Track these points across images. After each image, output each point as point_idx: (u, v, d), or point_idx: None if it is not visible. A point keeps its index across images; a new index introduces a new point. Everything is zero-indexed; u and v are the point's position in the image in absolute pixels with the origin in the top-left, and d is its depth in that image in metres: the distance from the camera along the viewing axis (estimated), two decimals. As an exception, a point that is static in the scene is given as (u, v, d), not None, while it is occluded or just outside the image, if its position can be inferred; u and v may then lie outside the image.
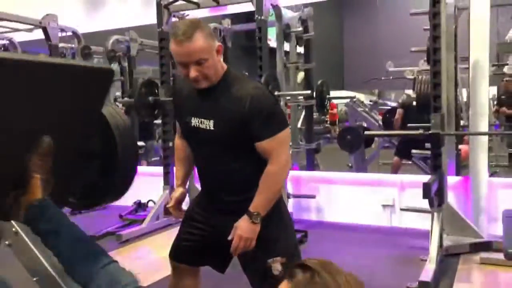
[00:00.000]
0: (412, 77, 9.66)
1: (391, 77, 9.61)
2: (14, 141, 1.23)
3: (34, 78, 1.15)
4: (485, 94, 3.83)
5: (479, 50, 3.77)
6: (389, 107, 8.33)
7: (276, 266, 1.78)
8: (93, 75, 1.34)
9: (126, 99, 5.28)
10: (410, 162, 6.44)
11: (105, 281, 1.10)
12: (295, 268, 0.90)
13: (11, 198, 1.28)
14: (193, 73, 1.67)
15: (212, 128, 1.75)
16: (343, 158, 6.77)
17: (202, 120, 1.77)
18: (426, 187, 2.94)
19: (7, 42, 5.83)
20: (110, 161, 1.46)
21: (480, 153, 3.86)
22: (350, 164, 6.73)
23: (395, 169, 6.40)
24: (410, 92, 11.47)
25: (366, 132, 4.22)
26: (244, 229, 1.73)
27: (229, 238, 1.76)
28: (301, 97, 4.60)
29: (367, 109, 6.90)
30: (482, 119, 3.80)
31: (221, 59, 1.78)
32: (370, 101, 10.03)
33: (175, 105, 1.96)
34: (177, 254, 1.95)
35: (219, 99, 1.74)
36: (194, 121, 1.80)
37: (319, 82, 4.81)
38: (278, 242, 1.81)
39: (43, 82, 1.17)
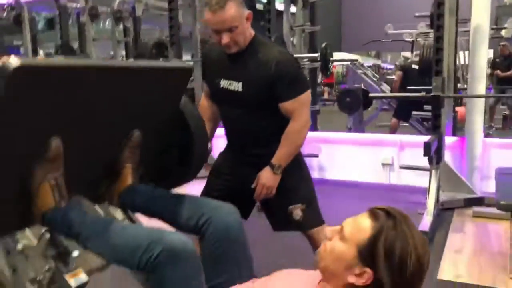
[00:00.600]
0: (411, 39, 9.79)
1: (390, 40, 9.73)
2: (108, 136, 1.44)
3: (123, 81, 1.34)
4: (484, 58, 3.98)
5: (480, 15, 3.90)
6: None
7: (297, 211, 2.00)
8: (174, 73, 1.54)
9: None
10: (406, 124, 6.67)
11: (214, 212, 1.36)
12: (379, 211, 1.03)
13: (105, 185, 1.50)
14: (225, 39, 1.83)
15: (240, 90, 1.92)
16: (340, 120, 6.97)
17: (231, 82, 1.94)
18: (427, 146, 3.16)
19: (13, 2, 5.85)
20: (187, 150, 1.64)
21: (476, 115, 4.06)
22: (349, 126, 6.95)
23: (393, 130, 6.62)
24: (407, 54, 11.61)
25: (371, 95, 4.39)
26: (266, 178, 1.93)
27: (253, 186, 1.97)
28: (306, 60, 4.73)
29: (367, 72, 7.02)
30: (480, 82, 3.96)
31: (250, 26, 1.93)
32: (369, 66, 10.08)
33: (205, 68, 2.12)
34: None
35: (247, 62, 1.91)
36: (223, 83, 1.97)
37: (323, 45, 4.93)
38: (299, 191, 2.02)
39: (131, 83, 1.38)
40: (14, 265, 1.36)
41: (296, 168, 2.04)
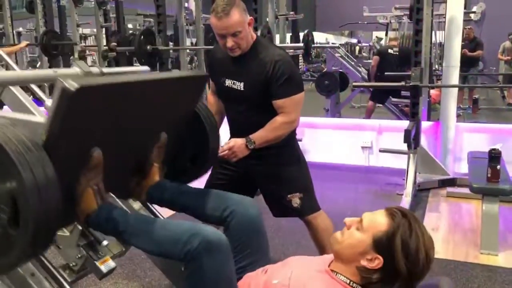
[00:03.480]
0: (385, 21, 10.06)
1: (366, 22, 9.97)
2: (139, 139, 1.60)
3: (150, 92, 1.50)
4: (458, 48, 4.23)
5: (455, 8, 4.14)
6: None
7: (295, 200, 2.21)
8: (192, 81, 1.71)
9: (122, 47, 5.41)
10: (379, 105, 6.93)
11: (238, 204, 1.55)
12: (396, 210, 1.23)
13: (134, 182, 1.66)
14: (229, 43, 2.00)
15: (242, 89, 2.10)
16: (315, 100, 7.16)
17: (234, 81, 2.12)
18: (407, 133, 3.41)
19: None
20: (201, 149, 1.80)
21: (450, 101, 4.33)
22: (326, 108, 7.19)
23: (369, 113, 6.90)
24: (380, 34, 11.85)
25: (354, 83, 4.60)
26: (238, 147, 2.07)
27: (220, 150, 2.04)
28: (291, 50, 4.88)
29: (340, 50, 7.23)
30: (454, 70, 4.23)
31: (251, 30, 2.10)
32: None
33: (211, 67, 2.28)
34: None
35: (249, 64, 2.08)
36: (228, 82, 2.14)
37: (305, 31, 5.10)
38: (297, 181, 2.23)
39: (159, 92, 1.54)
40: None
41: (295, 161, 2.24)
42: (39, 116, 1.62)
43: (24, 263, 1.36)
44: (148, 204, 1.78)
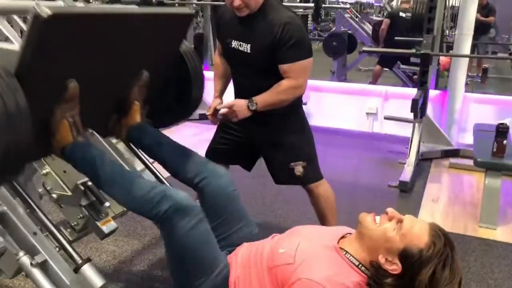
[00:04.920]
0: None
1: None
2: (119, 75, 1.55)
3: (131, 27, 1.44)
4: (473, 15, 4.09)
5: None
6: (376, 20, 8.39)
7: (298, 168, 2.19)
8: (176, 19, 1.63)
9: None
10: (386, 70, 6.81)
11: (210, 173, 1.52)
12: (440, 233, 1.19)
13: (114, 120, 1.62)
14: (236, 1, 1.92)
15: (249, 51, 2.03)
16: (322, 64, 7.03)
17: (241, 43, 2.05)
18: (414, 102, 3.35)
19: None
20: (185, 90, 1.77)
21: (460, 70, 4.24)
22: (333, 70, 7.07)
23: (376, 77, 6.79)
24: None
25: (364, 49, 4.48)
26: (238, 107, 2.02)
27: (220, 107, 2.06)
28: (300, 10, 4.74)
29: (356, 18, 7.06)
30: (466, 39, 4.11)
31: None
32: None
33: (218, 28, 2.21)
34: (214, 154, 2.28)
35: (257, 25, 2.00)
36: (234, 43, 2.07)
37: (315, -8, 4.95)
38: (301, 149, 2.20)
39: (140, 28, 1.47)
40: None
41: (300, 129, 2.21)
42: (15, 41, 1.58)
43: None
44: (132, 146, 1.76)
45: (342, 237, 1.37)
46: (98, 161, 1.41)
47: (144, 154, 1.75)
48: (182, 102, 1.81)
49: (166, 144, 1.63)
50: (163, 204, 1.31)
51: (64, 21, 1.19)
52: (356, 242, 1.28)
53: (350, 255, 1.26)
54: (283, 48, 1.96)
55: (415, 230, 1.20)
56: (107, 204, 1.59)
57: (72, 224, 1.64)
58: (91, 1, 1.75)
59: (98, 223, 1.62)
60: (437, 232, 1.21)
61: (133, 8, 1.76)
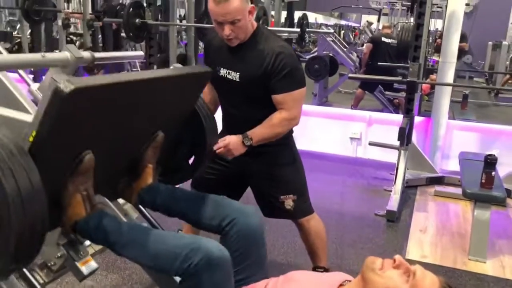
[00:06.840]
0: (378, 7, 9.96)
1: (360, 6, 9.84)
2: (134, 139, 1.46)
3: (151, 90, 1.36)
4: (456, 43, 4.13)
5: (457, 2, 4.03)
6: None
7: (288, 202, 2.11)
8: (194, 77, 1.56)
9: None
10: (366, 92, 6.84)
11: (239, 214, 1.43)
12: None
13: (124, 183, 1.51)
14: (226, 31, 1.84)
15: (237, 80, 1.96)
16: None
17: (230, 71, 1.97)
18: (402, 130, 3.32)
19: None
20: (199, 148, 1.68)
21: (444, 97, 4.26)
22: (314, 92, 7.08)
23: (358, 101, 6.82)
24: (371, 18, 11.75)
25: (350, 75, 4.46)
26: (233, 144, 1.93)
27: (216, 147, 1.88)
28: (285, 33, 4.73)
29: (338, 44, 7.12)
30: (450, 67, 4.14)
31: (252, 19, 1.94)
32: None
33: (206, 54, 2.13)
34: (199, 184, 2.18)
35: (247, 54, 1.93)
36: (223, 71, 2.00)
37: (300, 15, 4.94)
38: (292, 182, 2.12)
39: (158, 91, 1.40)
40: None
41: (291, 162, 2.13)
42: (29, 107, 1.46)
43: (5, 279, 1.26)
44: (141, 207, 1.67)
45: (340, 285, 1.28)
46: (113, 226, 1.30)
47: (150, 213, 1.66)
48: (195, 159, 1.73)
49: (181, 197, 1.52)
50: (194, 256, 1.18)
51: (86, 94, 1.10)
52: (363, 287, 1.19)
53: None
54: (276, 78, 1.89)
55: (426, 285, 1.12)
56: (87, 242, 1.48)
57: (49, 264, 1.52)
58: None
59: (78, 263, 1.50)
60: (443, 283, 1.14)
61: (153, 72, 1.68)
